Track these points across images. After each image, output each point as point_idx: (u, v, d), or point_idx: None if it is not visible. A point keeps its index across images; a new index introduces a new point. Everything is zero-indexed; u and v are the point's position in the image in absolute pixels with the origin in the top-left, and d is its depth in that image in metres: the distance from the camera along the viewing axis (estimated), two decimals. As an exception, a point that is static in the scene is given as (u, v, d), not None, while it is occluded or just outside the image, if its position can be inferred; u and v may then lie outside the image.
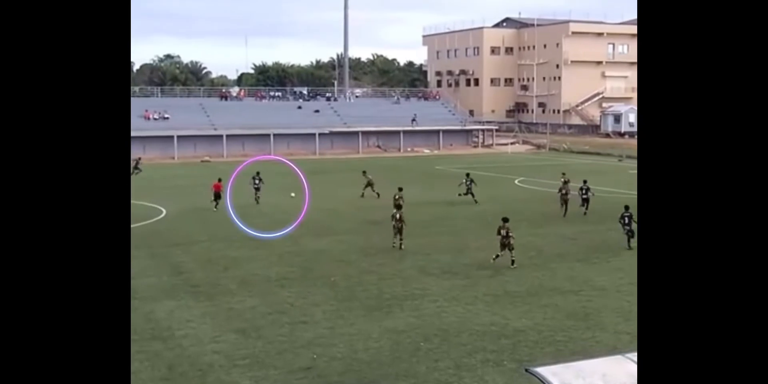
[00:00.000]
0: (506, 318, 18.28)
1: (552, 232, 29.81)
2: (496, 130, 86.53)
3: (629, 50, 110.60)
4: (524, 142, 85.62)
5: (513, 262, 23.80)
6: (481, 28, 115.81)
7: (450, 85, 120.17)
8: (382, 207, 37.18)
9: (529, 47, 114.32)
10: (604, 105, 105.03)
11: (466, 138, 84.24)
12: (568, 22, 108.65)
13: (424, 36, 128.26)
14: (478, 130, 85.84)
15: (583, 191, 35.07)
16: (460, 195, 39.09)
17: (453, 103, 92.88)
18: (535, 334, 17.05)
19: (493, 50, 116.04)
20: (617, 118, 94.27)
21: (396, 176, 50.14)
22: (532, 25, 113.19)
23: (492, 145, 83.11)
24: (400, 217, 26.99)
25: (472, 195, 38.56)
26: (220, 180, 37.28)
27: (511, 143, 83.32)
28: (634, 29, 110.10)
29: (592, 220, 32.56)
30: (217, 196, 36.48)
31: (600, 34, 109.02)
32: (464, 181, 39.58)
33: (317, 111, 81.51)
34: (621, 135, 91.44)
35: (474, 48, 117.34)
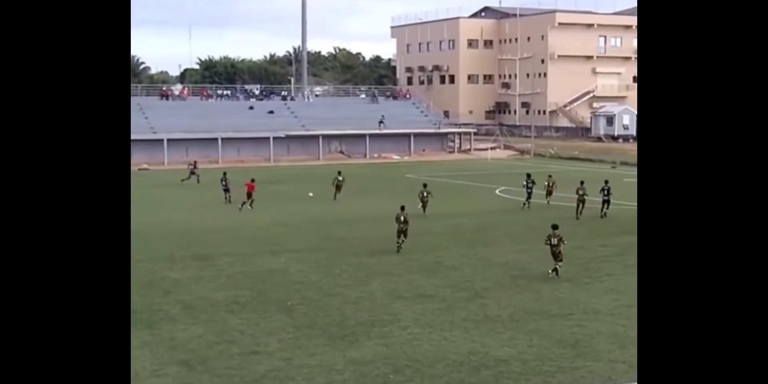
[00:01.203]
0: (487, 346, 18.33)
1: (537, 248, 29.93)
2: (475, 134, 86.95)
3: (623, 43, 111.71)
4: (506, 147, 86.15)
5: (557, 272, 24.94)
6: (457, 18, 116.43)
7: (422, 83, 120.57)
8: (345, 221, 37.19)
9: (510, 40, 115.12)
10: (595, 105, 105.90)
11: (440, 142, 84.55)
12: (554, 11, 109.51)
13: (392, 27, 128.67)
14: (453, 133, 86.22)
15: (604, 192, 37.66)
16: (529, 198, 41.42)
17: (425, 102, 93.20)
18: (519, 364, 17.11)
19: (471, 43, 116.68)
20: (610, 120, 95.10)
21: (361, 186, 50.15)
22: (515, 15, 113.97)
23: (470, 150, 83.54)
24: (405, 218, 29.39)
25: (529, 197, 41.08)
26: (253, 180, 41.76)
27: (491, 148, 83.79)
28: (627, 20, 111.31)
29: (582, 235, 32.79)
30: (249, 196, 40.92)
31: (590, 26, 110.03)
32: (525, 182, 41.69)
33: (271, 112, 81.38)
34: (614, 139, 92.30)
35: (449, 41, 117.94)
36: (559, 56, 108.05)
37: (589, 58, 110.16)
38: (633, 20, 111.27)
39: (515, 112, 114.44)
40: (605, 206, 37.89)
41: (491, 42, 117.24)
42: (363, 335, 19.18)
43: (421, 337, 19.02)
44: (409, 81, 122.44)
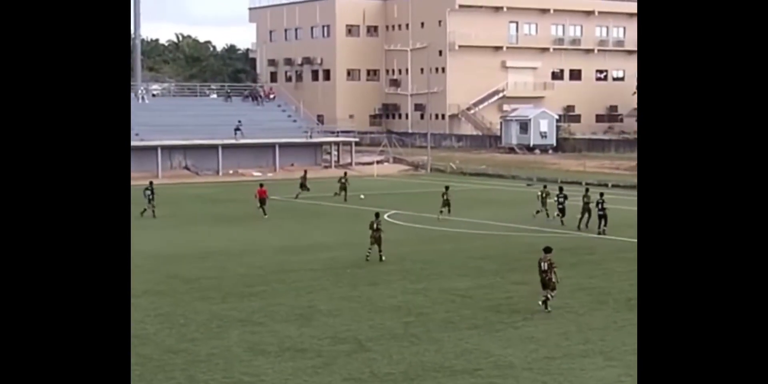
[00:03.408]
0: (374, 412, 18.39)
1: (436, 287, 30.21)
2: (357, 144, 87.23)
3: (538, 31, 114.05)
4: (396, 161, 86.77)
5: (546, 304, 26.03)
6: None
7: (289, 80, 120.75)
8: (192, 256, 36.84)
9: (400, 26, 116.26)
10: (506, 107, 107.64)
11: (313, 155, 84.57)
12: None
13: (250, 9, 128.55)
14: (330, 143, 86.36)
15: (599, 207, 41.25)
16: (538, 212, 45.16)
17: (294, 104, 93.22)
18: (415, 433, 17.21)
19: (350, 30, 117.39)
20: (524, 126, 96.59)
21: (213, 211, 49.79)
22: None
23: (350, 164, 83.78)
24: (377, 226, 34.34)
25: (563, 214, 44.19)
26: (262, 185, 49.65)
27: (378, 162, 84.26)
28: (543, 2, 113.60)
29: (490, 271, 33.26)
30: (263, 202, 48.27)
31: (498, 9, 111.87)
32: (557, 196, 44.50)
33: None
34: (530, 149, 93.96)
35: (323, 27, 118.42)
36: (460, 47, 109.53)
37: (498, 49, 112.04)
38: (550, 2, 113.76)
39: (407, 116, 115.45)
40: (602, 222, 41.15)
41: (376, 28, 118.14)
42: (217, 402, 19.03)
43: (291, 402, 18.96)
44: (273, 77, 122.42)
